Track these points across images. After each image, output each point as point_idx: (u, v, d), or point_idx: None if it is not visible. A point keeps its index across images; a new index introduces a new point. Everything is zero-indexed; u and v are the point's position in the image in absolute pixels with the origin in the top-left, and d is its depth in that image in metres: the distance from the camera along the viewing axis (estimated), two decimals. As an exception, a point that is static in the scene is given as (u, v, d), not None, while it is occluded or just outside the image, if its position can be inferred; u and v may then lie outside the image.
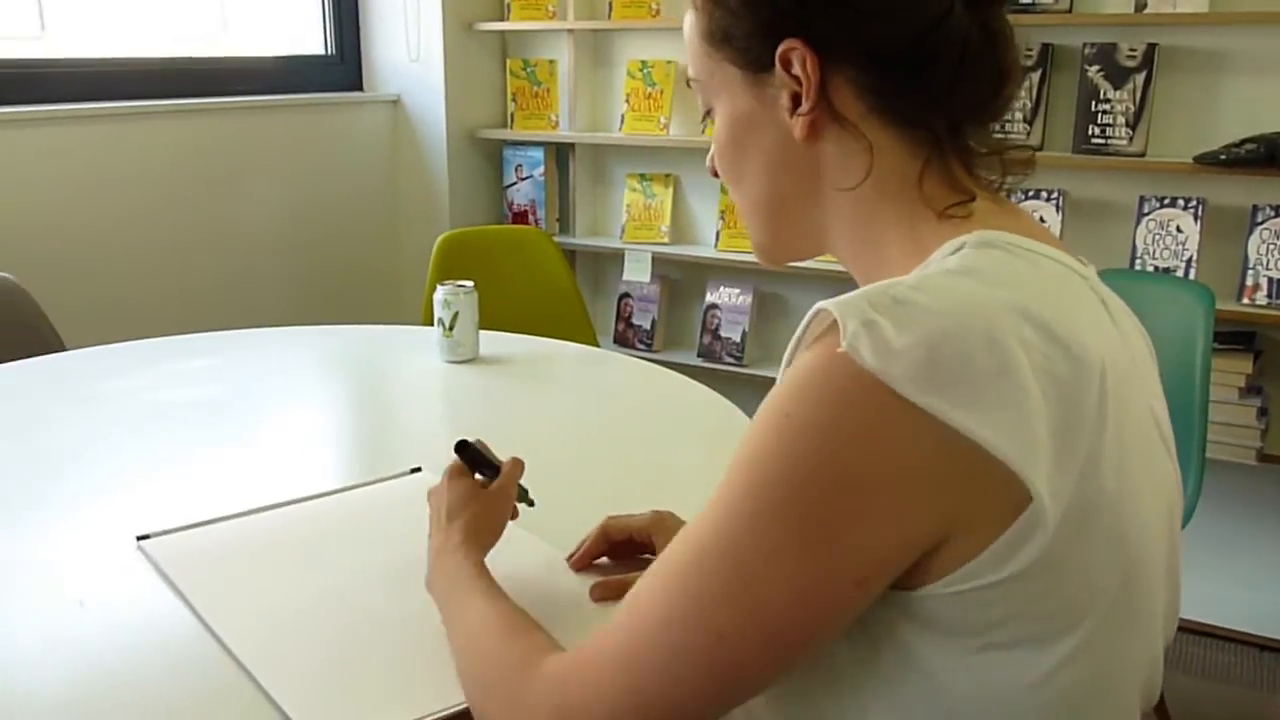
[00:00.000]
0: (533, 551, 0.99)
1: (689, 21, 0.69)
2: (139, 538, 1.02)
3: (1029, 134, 2.35)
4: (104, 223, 2.38)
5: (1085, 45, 2.29)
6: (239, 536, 1.03)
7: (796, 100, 0.64)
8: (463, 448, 0.92)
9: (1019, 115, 2.36)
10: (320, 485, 1.17)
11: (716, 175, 0.73)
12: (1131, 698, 0.62)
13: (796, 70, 0.63)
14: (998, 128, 0.66)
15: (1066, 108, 2.34)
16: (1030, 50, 2.33)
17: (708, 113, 0.70)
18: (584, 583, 0.93)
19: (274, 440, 1.38)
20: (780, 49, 0.63)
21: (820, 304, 0.57)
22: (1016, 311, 0.55)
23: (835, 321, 0.55)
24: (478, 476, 0.93)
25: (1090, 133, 2.29)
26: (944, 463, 0.52)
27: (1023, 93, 2.32)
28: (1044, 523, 0.53)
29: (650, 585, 0.59)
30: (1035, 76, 2.33)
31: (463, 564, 0.80)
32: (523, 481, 0.96)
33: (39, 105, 2.26)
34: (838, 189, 0.65)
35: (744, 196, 0.70)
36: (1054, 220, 2.35)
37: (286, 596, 0.89)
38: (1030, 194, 2.36)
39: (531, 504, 0.96)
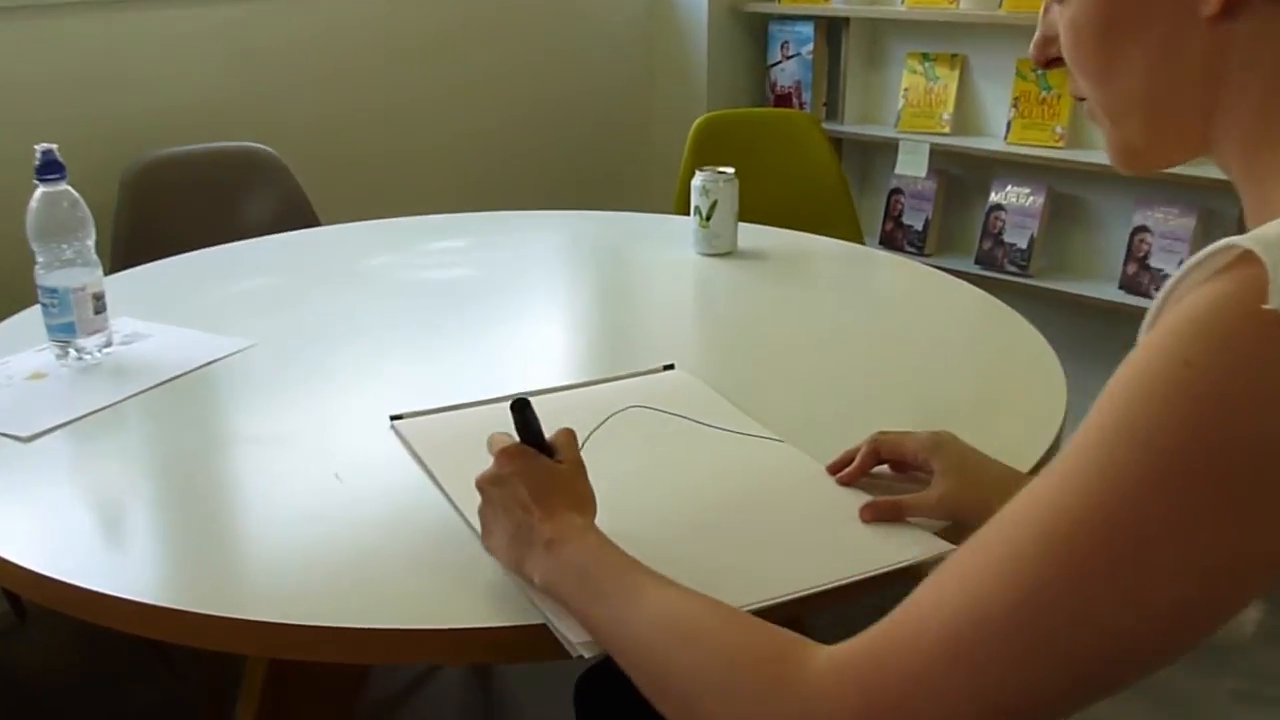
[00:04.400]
0: (790, 462, 1.00)
1: None
2: (392, 418, 1.08)
3: None
4: (360, 101, 2.52)
5: None
6: (488, 423, 1.06)
7: None
8: (521, 407, 0.82)
9: None
10: (566, 376, 1.21)
11: (1048, 66, 0.65)
12: None
13: None
14: None
15: None
16: None
17: None
18: (850, 498, 0.93)
19: (522, 327, 1.43)
20: None
21: (1231, 239, 0.50)
22: None
23: (1244, 256, 0.49)
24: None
25: None
26: None
27: None
28: None
29: (988, 562, 0.52)
30: None
31: (600, 550, 0.73)
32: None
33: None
34: (1243, 80, 0.57)
35: (1114, 92, 0.61)
36: None
37: None
38: None
39: None
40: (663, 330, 1.44)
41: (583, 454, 0.84)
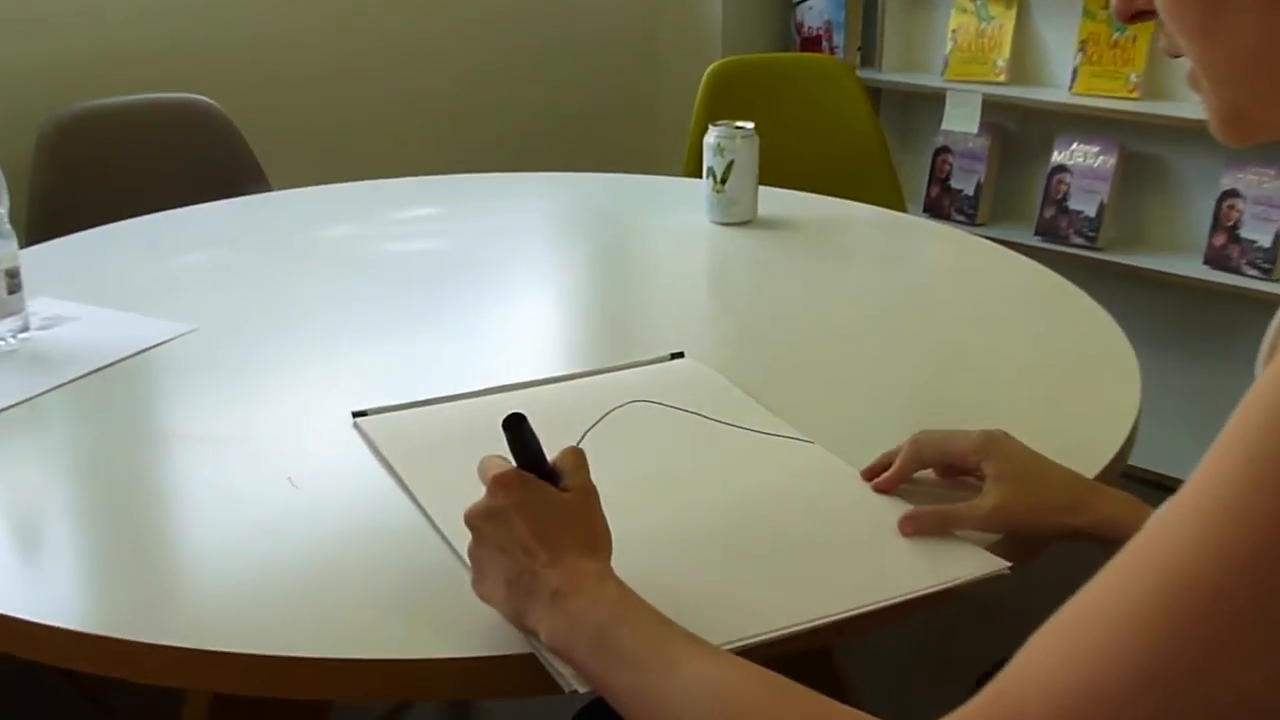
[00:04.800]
0: (819, 466, 1.01)
1: None
2: (354, 414, 1.08)
3: None
4: (316, 46, 2.51)
5: None
6: (465, 420, 1.08)
7: None
8: (516, 424, 0.79)
9: None
10: (557, 366, 1.21)
11: (1133, 19, 0.63)
12: None
13: None
14: None
15: None
16: None
17: None
18: (888, 508, 0.93)
19: (506, 308, 1.43)
20: None
21: None
22: None
23: None
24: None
25: None
26: None
27: None
28: None
29: (1100, 628, 0.50)
30: None
31: (620, 604, 0.72)
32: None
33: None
34: None
35: (1219, 50, 0.59)
36: None
37: None
38: None
39: None
40: (670, 312, 1.45)
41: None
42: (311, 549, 0.91)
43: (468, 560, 0.80)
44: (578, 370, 1.19)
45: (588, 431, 0.98)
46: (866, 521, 0.92)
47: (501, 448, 0.80)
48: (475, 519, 0.78)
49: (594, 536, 0.78)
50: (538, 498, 0.77)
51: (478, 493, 0.79)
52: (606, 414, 1.04)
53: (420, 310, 1.42)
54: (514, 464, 0.79)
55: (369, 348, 1.32)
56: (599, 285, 1.56)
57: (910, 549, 0.88)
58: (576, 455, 0.81)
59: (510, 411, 0.79)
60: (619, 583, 0.74)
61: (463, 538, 0.80)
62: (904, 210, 2.21)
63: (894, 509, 0.92)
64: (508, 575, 0.76)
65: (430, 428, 1.07)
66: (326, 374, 1.24)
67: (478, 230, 1.71)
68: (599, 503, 0.79)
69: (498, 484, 0.78)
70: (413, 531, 0.91)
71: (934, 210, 2.94)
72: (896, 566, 0.86)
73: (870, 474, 0.97)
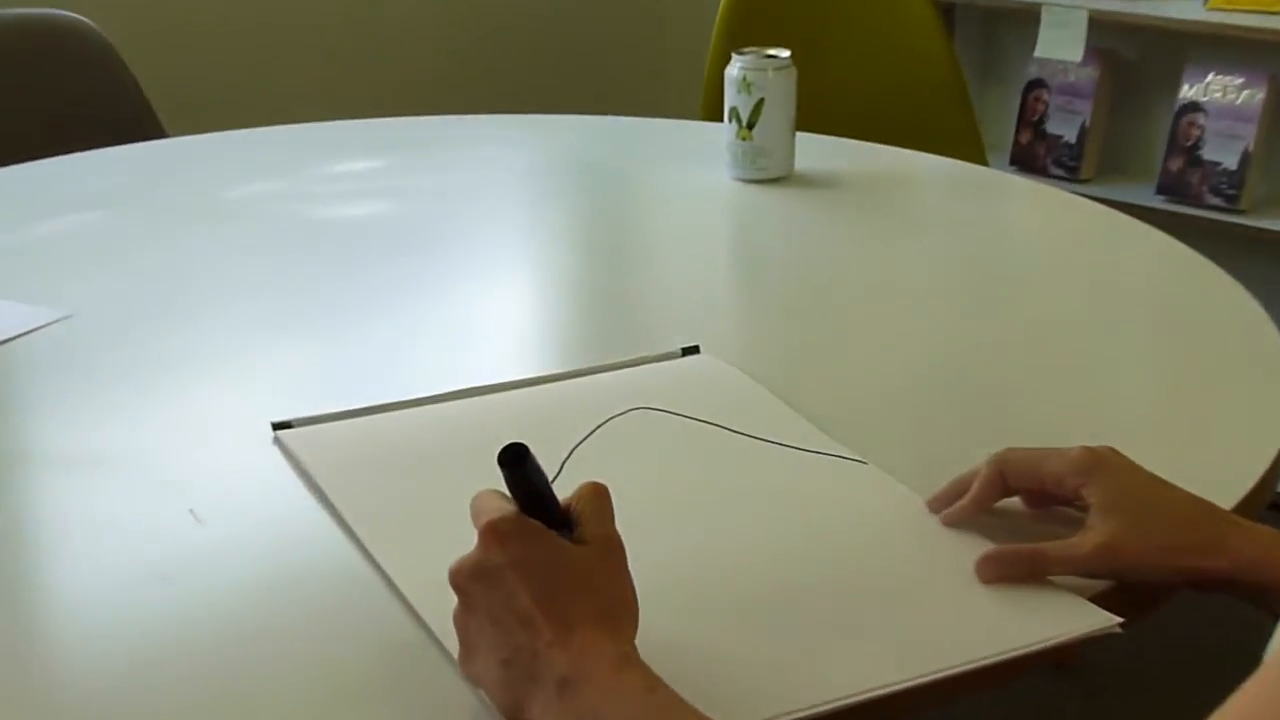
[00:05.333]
0: (874, 492, 1.01)
1: None
2: (275, 426, 1.08)
3: None
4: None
5: None
6: (420, 434, 1.09)
7: None
8: (517, 459, 0.78)
9: None
10: (538, 366, 1.21)
11: None
12: None
13: None
14: None
15: None
16: None
17: None
18: (963, 547, 0.93)
19: (472, 292, 1.44)
20: None
21: None
22: None
23: None
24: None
25: None
26: None
27: None
28: None
29: None
30: None
31: (645, 699, 0.73)
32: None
33: None
34: None
35: None
36: None
37: None
38: None
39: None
40: (681, 296, 1.45)
41: (561, 480, 0.83)
42: (220, 604, 0.89)
43: (431, 625, 0.80)
44: (563, 370, 1.19)
45: (573, 450, 0.97)
46: (934, 564, 0.92)
47: (482, 473, 0.80)
48: (462, 578, 0.78)
49: (615, 606, 0.77)
50: (543, 553, 0.77)
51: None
52: (599, 426, 1.02)
53: (361, 294, 1.42)
54: (513, 504, 0.79)
55: (294, 341, 1.32)
56: (590, 261, 1.56)
57: (991, 599, 0.88)
58: (597, 497, 0.80)
59: (503, 441, 0.78)
60: (645, 672, 0.74)
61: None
62: (984, 163, 2.20)
63: (970, 547, 0.92)
64: (503, 653, 0.75)
65: (375, 444, 1.08)
66: (238, 375, 1.25)
67: (436, 190, 1.71)
68: (624, 560, 0.79)
69: (492, 533, 0.77)
70: (356, 581, 0.91)
71: (1024, 163, 2.94)
72: (973, 622, 0.86)
73: (940, 502, 0.97)
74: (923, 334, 1.33)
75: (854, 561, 0.94)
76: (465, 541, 0.77)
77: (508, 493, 0.79)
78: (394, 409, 1.12)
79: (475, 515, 0.79)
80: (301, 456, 1.05)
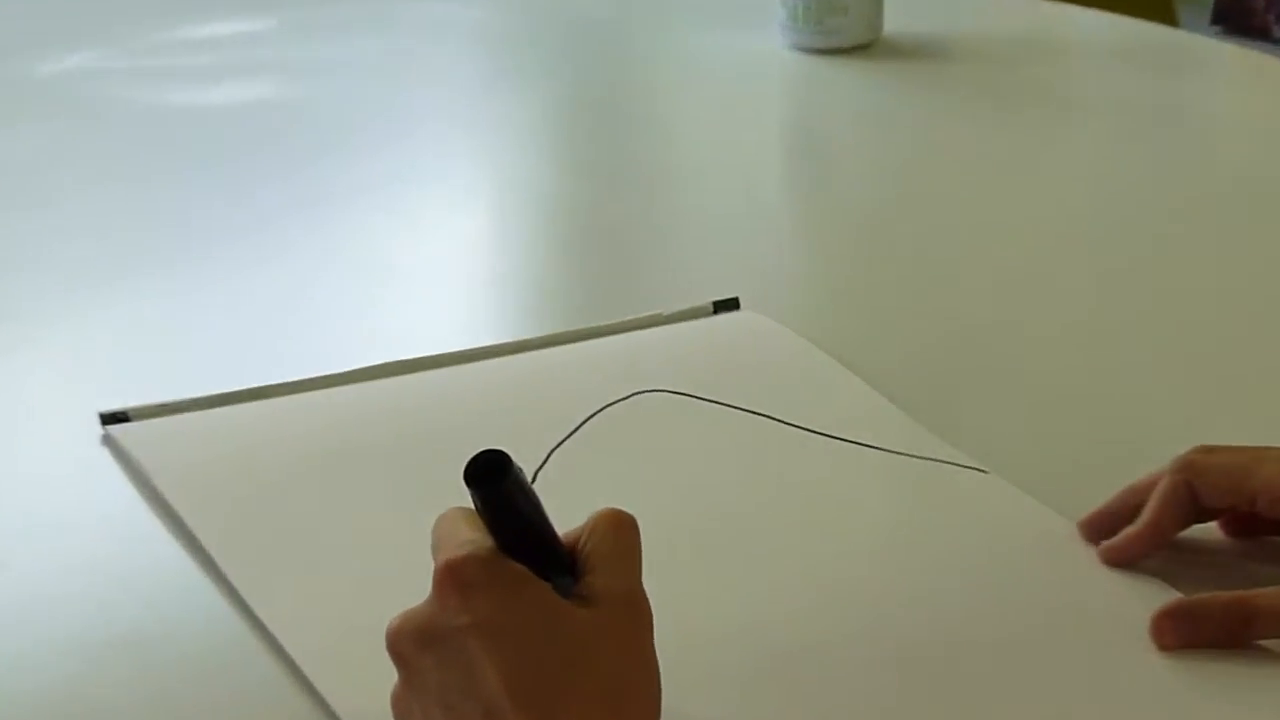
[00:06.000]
0: (999, 511, 1.01)
1: None
2: (105, 419, 1.08)
3: None
4: None
5: None
6: (322, 427, 1.10)
7: None
8: (492, 472, 0.77)
9: None
10: (504, 329, 1.23)
11: None
12: None
13: None
14: None
15: None
16: None
17: None
18: (1130, 593, 0.92)
19: (402, 218, 1.44)
20: None
21: None
22: None
23: None
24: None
25: None
26: None
27: None
28: None
29: None
30: None
31: None
32: None
33: None
34: None
35: None
36: None
37: (397, 541, 0.91)
38: None
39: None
40: (716, 224, 1.46)
41: (549, 491, 0.81)
42: (26, 678, 0.89)
43: (337, 709, 0.82)
44: (540, 334, 1.20)
45: (551, 453, 0.95)
46: (1091, 621, 0.92)
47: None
48: (405, 642, 0.76)
49: (625, 697, 0.76)
50: (526, 613, 0.75)
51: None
52: (589, 418, 1.00)
53: (234, 222, 1.42)
54: (488, 535, 0.77)
55: (133, 295, 1.32)
56: (581, 173, 1.55)
57: (1175, 671, 0.87)
58: (617, 531, 0.78)
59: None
60: None
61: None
62: (1173, 23, 2.19)
63: (1143, 595, 0.92)
64: None
65: (254, 444, 1.08)
66: (49, 345, 1.25)
67: (346, 66, 1.73)
68: (648, 630, 0.77)
69: (452, 580, 0.75)
70: (219, 640, 0.90)
71: (1233, 21, 2.94)
72: (1154, 699, 0.86)
73: (1096, 528, 0.97)
74: (1071, 280, 1.33)
75: (977, 621, 0.93)
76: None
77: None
78: (283, 392, 1.12)
79: (434, 548, 0.78)
80: (143, 461, 1.05)
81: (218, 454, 1.06)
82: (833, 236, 1.45)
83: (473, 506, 0.77)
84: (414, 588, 0.75)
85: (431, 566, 0.76)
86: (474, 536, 0.76)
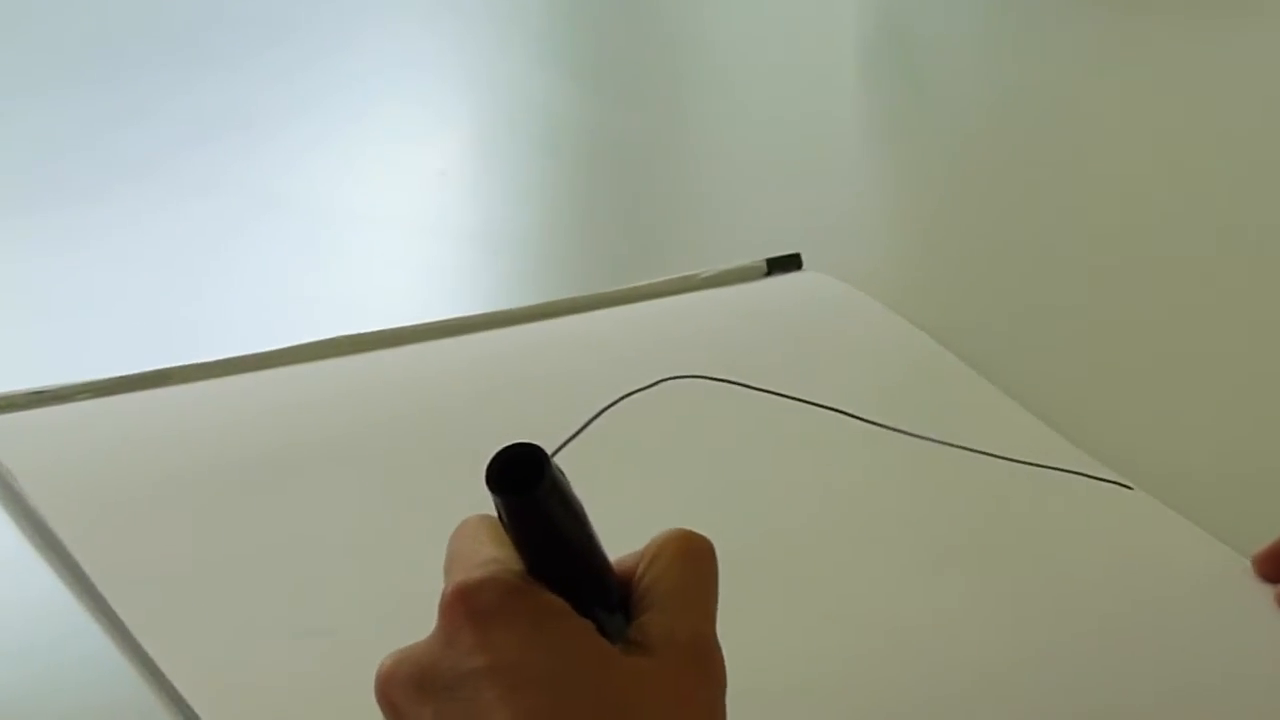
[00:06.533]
0: (1150, 540, 1.04)
1: None
2: None
3: None
4: None
5: None
6: (253, 419, 1.12)
7: None
8: (524, 469, 0.77)
9: None
10: (499, 294, 1.27)
11: None
12: None
13: None
14: None
15: None
16: None
17: None
18: None
19: (362, 146, 1.45)
20: None
21: None
22: None
23: None
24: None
25: None
26: None
27: None
28: None
29: None
30: None
31: None
32: None
33: None
34: None
35: None
36: None
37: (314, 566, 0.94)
38: None
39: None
40: (771, 163, 1.45)
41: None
42: None
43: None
44: (548, 299, 1.23)
45: (563, 446, 0.94)
46: (1273, 672, 0.94)
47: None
48: (398, 688, 0.75)
49: None
50: (558, 660, 0.74)
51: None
52: (609, 406, 0.99)
53: (117, 153, 1.43)
54: (515, 555, 0.77)
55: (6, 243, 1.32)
56: (594, 89, 1.56)
57: None
58: (689, 559, 0.77)
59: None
60: None
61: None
62: None
63: None
64: None
65: (151, 440, 1.09)
66: None
67: None
68: (721, 686, 0.76)
69: (466, 608, 0.74)
70: (103, 695, 0.91)
71: None
72: None
73: (1275, 563, 0.99)
74: (1245, 257, 1.33)
75: (1129, 676, 0.94)
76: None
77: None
78: (194, 377, 1.14)
79: (447, 567, 0.77)
80: (8, 463, 1.05)
81: (104, 455, 1.06)
82: (923, 178, 1.46)
83: (496, 516, 0.76)
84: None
85: (408, 602, 0.76)
86: (498, 554, 0.75)
